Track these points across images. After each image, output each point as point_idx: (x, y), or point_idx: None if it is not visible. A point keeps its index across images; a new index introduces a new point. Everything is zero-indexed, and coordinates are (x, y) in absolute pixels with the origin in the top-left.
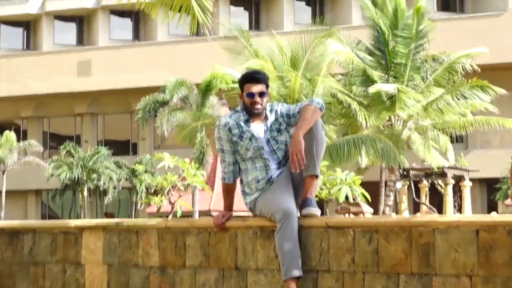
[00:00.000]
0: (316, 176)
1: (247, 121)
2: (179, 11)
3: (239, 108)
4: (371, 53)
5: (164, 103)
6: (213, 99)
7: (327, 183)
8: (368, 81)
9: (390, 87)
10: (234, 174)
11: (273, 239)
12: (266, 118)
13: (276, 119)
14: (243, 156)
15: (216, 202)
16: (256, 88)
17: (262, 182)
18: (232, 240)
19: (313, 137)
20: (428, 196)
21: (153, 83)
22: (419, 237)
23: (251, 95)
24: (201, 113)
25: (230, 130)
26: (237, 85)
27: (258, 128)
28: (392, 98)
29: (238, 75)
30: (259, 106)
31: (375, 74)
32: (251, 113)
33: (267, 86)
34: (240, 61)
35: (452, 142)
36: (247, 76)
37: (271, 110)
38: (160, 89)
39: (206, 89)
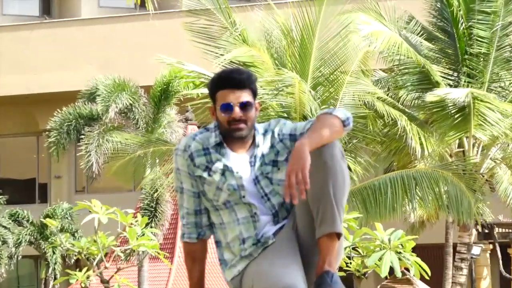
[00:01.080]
0: (338, 235)
1: (219, 145)
2: None
3: (212, 126)
4: (430, 37)
5: (93, 119)
6: (172, 112)
7: (359, 248)
8: (425, 82)
9: (461, 93)
10: (198, 227)
11: None
12: (255, 143)
13: (272, 146)
14: (214, 202)
15: (177, 278)
16: (236, 96)
17: (249, 243)
18: None
19: (327, 170)
20: None
21: (74, 86)
22: None
23: (227, 108)
24: (152, 134)
25: (192, 158)
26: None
27: (239, 159)
28: (464, 110)
29: (211, 75)
30: (242, 126)
31: (437, 71)
32: (230, 137)
33: (254, 94)
34: (216, 51)
35: None
36: (220, 78)
37: (265, 132)
38: (86, 96)
39: (161, 96)
